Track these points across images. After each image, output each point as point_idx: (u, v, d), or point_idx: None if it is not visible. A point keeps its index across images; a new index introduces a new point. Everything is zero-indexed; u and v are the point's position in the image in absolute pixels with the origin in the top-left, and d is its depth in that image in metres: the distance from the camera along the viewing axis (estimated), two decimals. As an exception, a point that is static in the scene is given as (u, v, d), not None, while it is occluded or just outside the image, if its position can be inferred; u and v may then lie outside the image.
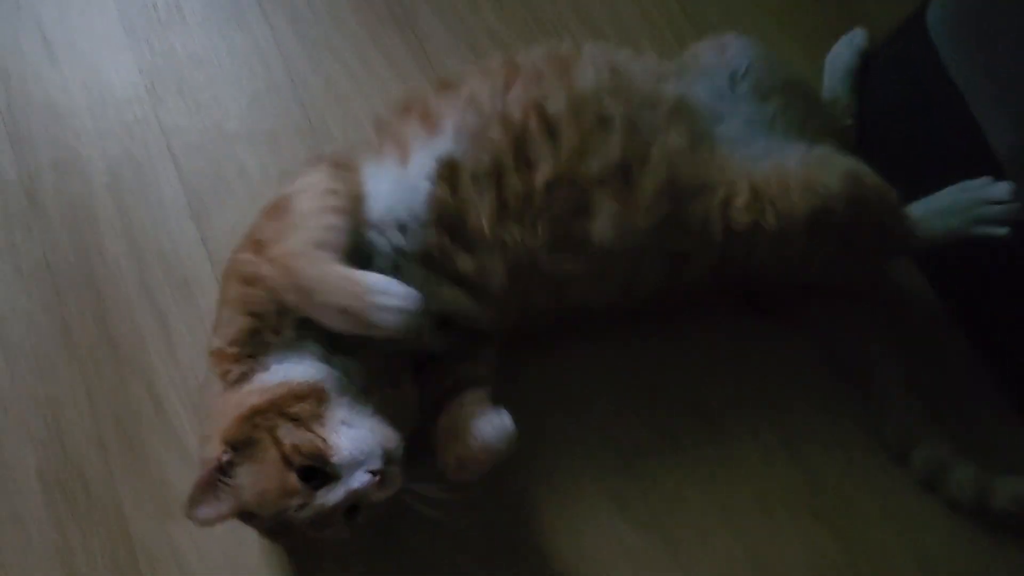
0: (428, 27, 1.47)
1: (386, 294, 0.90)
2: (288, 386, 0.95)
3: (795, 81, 1.24)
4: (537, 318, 1.15)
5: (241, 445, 0.93)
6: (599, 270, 1.08)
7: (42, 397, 1.23)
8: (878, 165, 1.14)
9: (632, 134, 1.06)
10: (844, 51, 1.38)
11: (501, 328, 1.12)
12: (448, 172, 1.03)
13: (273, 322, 0.98)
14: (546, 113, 1.05)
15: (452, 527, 1.09)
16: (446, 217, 1.03)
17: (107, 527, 1.16)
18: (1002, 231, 1.10)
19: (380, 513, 0.96)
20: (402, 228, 1.03)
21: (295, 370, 0.97)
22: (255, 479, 0.92)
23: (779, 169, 1.10)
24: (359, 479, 0.90)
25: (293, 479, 0.90)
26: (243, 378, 0.98)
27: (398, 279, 0.93)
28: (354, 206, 1.02)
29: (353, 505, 0.92)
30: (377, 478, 0.90)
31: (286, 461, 0.91)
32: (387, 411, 0.98)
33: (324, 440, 0.92)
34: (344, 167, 1.06)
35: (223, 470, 0.92)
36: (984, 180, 1.12)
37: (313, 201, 1.00)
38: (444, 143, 1.04)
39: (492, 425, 0.99)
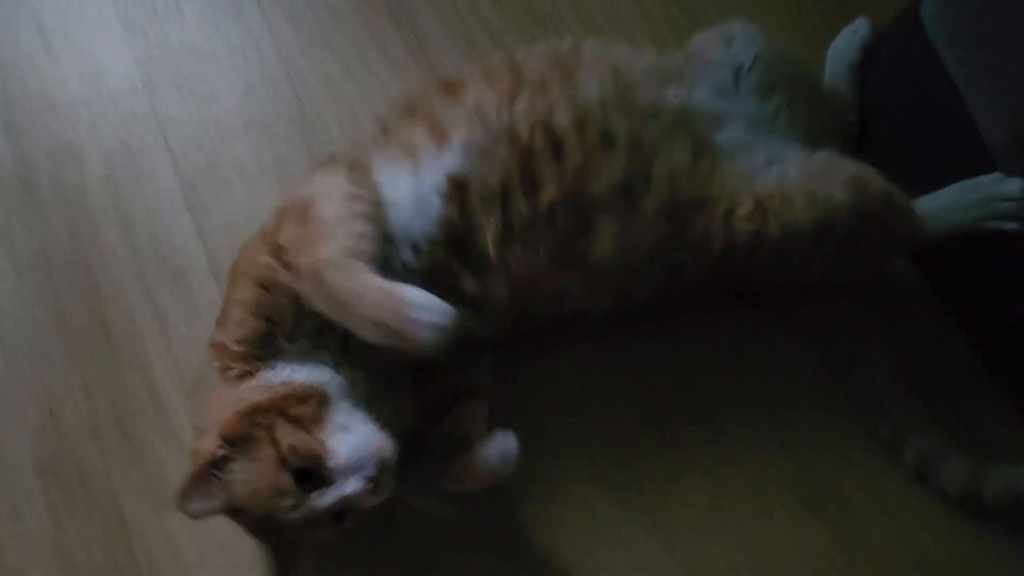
0: (424, 21, 1.47)
1: (424, 309, 0.88)
2: (291, 387, 0.95)
3: (800, 74, 1.23)
4: (535, 321, 1.15)
5: (238, 441, 0.93)
6: (597, 282, 1.09)
7: (38, 388, 1.23)
8: (875, 158, 1.14)
9: (634, 152, 1.06)
10: (847, 45, 1.37)
11: (498, 333, 1.12)
12: (457, 192, 1.03)
13: (289, 329, 0.98)
14: (552, 130, 1.05)
15: (452, 527, 1.10)
16: (454, 237, 1.03)
17: (103, 518, 1.17)
18: (1013, 226, 1.10)
19: (368, 518, 0.96)
20: (414, 247, 1.02)
21: (300, 373, 0.97)
22: (249, 476, 0.92)
23: (781, 180, 1.09)
24: (353, 485, 0.90)
25: (287, 480, 0.90)
26: (245, 376, 0.98)
27: None
28: (377, 212, 1.00)
29: (342, 509, 0.92)
30: (370, 485, 0.91)
31: (282, 461, 0.91)
32: (385, 418, 0.98)
33: (322, 444, 0.92)
34: (358, 169, 1.05)
35: (217, 465, 0.92)
36: (995, 177, 1.12)
37: (339, 207, 0.98)
38: (453, 160, 1.03)
39: (499, 451, 1.00)
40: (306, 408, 0.94)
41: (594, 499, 1.17)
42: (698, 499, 1.18)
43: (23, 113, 1.39)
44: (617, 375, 1.23)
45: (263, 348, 0.98)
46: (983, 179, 1.13)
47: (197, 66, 1.43)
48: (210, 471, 0.92)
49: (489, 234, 1.03)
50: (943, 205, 1.15)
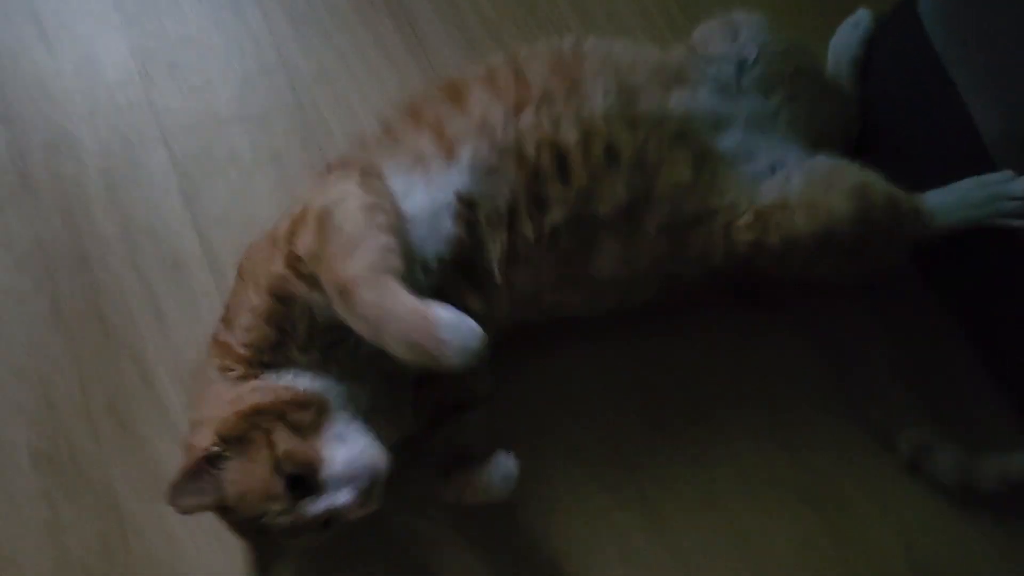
0: (422, 15, 1.46)
1: (455, 329, 0.86)
2: (293, 392, 0.95)
3: (804, 68, 1.22)
4: (533, 325, 1.15)
5: (234, 440, 0.93)
6: (597, 295, 1.11)
7: (33, 375, 1.23)
8: (874, 152, 1.15)
9: (637, 169, 1.05)
10: (848, 39, 1.36)
11: (496, 336, 1.11)
12: (465, 211, 1.02)
13: (302, 341, 0.97)
14: (558, 146, 1.04)
15: (452, 527, 1.11)
16: (461, 257, 1.03)
17: (97, 503, 1.17)
18: (1021, 223, 1.11)
19: (352, 526, 0.96)
20: (425, 266, 1.02)
21: (303, 380, 0.97)
22: (241, 477, 0.92)
23: (783, 187, 1.09)
24: (344, 497, 0.90)
25: (279, 484, 0.91)
26: (247, 377, 0.97)
27: None
28: (400, 224, 0.99)
29: (329, 517, 0.93)
30: (361, 498, 0.91)
31: (276, 466, 0.91)
32: (383, 429, 0.98)
33: (317, 452, 0.92)
34: (373, 175, 1.03)
35: (211, 461, 0.92)
36: (1003, 175, 1.12)
37: (361, 218, 0.95)
38: (461, 178, 1.03)
39: (500, 474, 1.00)
40: (305, 415, 0.94)
41: (594, 499, 1.17)
42: (698, 498, 1.18)
43: (19, 103, 1.38)
44: (617, 375, 1.23)
45: (272, 355, 0.98)
46: (991, 177, 1.13)
47: (194, 57, 1.42)
48: (204, 467, 0.92)
49: (494, 255, 1.03)
50: (952, 201, 1.15)
